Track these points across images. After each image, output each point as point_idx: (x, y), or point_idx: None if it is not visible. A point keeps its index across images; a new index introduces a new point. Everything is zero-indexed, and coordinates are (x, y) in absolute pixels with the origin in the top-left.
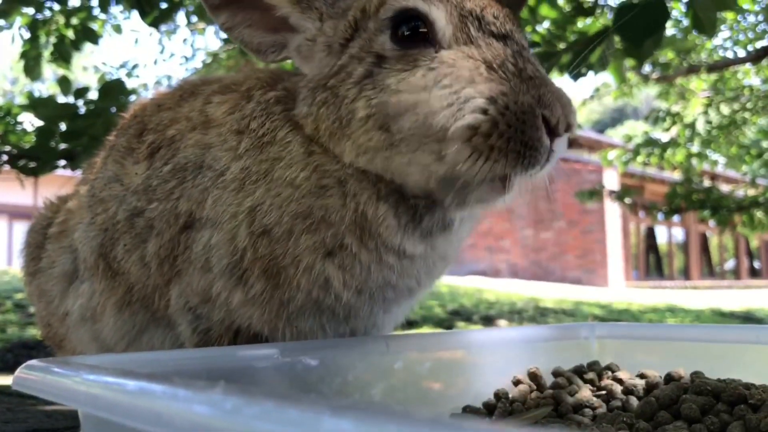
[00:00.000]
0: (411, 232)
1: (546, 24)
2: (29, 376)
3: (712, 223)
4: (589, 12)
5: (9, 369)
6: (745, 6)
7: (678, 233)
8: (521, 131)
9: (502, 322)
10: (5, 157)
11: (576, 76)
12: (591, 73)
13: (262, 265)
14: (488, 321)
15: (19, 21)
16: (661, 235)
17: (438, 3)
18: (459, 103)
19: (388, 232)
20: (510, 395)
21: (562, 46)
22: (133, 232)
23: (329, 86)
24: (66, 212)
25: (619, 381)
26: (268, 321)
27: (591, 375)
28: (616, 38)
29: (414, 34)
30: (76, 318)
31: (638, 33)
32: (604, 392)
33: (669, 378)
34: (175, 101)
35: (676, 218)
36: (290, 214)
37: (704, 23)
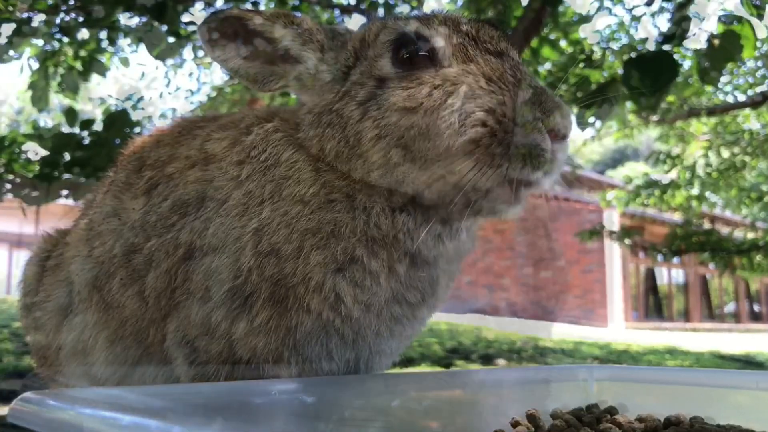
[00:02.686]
0: (426, 236)
1: (547, 65)
2: (25, 409)
3: (712, 265)
4: (595, 64)
5: (3, 399)
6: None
7: (678, 275)
8: (522, 135)
9: (501, 362)
10: (8, 186)
11: (583, 126)
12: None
13: (269, 288)
14: (487, 360)
15: (28, 52)
16: (661, 276)
17: (437, 26)
18: (461, 119)
19: (406, 237)
20: None
21: (563, 87)
22: (129, 268)
23: (334, 110)
24: (63, 246)
25: (618, 425)
26: (272, 350)
27: (589, 418)
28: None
29: (414, 56)
30: (69, 351)
31: (647, 86)
32: None
33: (669, 422)
34: (174, 138)
35: (676, 260)
36: (300, 231)
37: (710, 74)
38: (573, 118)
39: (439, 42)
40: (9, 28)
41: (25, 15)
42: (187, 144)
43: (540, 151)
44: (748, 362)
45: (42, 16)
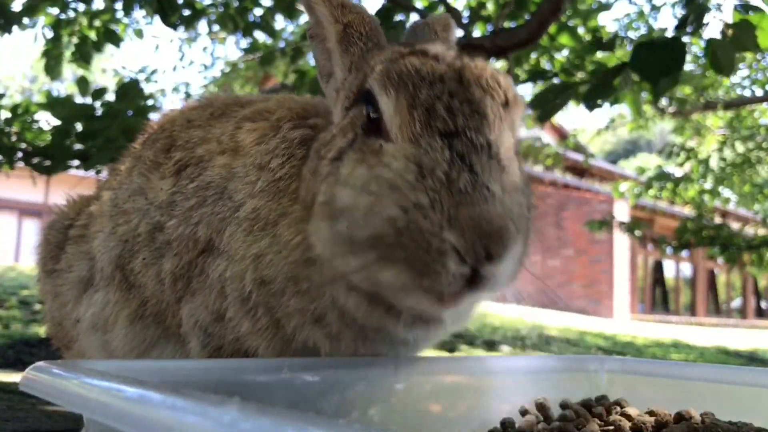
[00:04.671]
0: (391, 322)
1: (565, 53)
2: (36, 378)
3: (720, 260)
4: (607, 46)
5: (10, 366)
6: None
7: (686, 269)
8: (423, 250)
9: (505, 348)
10: (20, 155)
11: (591, 107)
12: (606, 104)
13: (265, 308)
14: (491, 346)
15: (42, 20)
16: (669, 269)
17: (391, 89)
18: (376, 210)
19: (366, 320)
20: (517, 425)
21: (580, 75)
22: (153, 246)
23: (321, 155)
24: (88, 216)
25: (628, 417)
26: (273, 351)
27: (599, 409)
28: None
29: (373, 119)
30: (87, 326)
31: (655, 71)
32: (612, 427)
33: (680, 417)
34: (206, 119)
35: (684, 253)
36: (283, 275)
37: (722, 63)
38: (507, 236)
39: (389, 111)
40: None
41: None
42: (220, 126)
43: (439, 274)
44: (753, 359)
45: None
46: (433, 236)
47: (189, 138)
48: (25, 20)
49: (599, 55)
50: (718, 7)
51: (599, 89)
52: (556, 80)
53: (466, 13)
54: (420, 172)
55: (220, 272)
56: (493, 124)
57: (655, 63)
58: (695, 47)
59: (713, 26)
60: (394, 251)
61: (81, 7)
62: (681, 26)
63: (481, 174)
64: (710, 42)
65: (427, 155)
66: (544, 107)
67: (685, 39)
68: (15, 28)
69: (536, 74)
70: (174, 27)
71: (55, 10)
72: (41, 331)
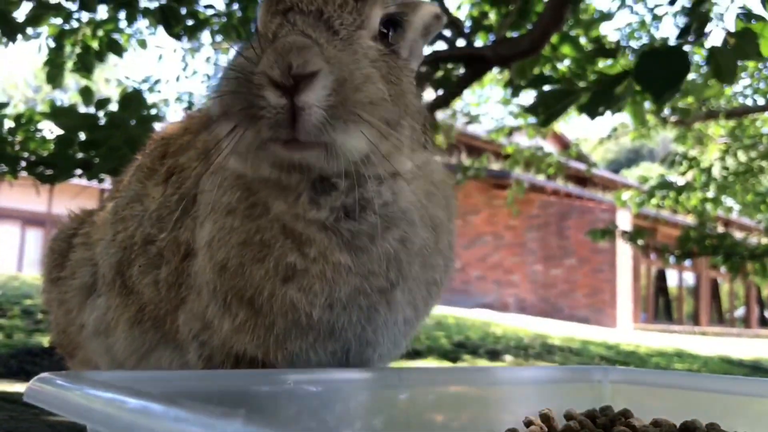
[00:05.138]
0: (319, 210)
1: (567, 62)
2: (41, 389)
3: (723, 269)
4: (610, 53)
5: (13, 375)
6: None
7: (689, 278)
8: (248, 91)
9: (508, 358)
10: (23, 164)
11: (593, 115)
12: (608, 113)
13: (234, 294)
14: (494, 355)
15: (46, 30)
16: (672, 278)
17: (263, 3)
18: (222, 87)
19: (291, 217)
20: None
21: (582, 84)
22: (147, 255)
23: None
24: (91, 225)
25: (633, 428)
26: (259, 346)
27: (603, 420)
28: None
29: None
30: (91, 330)
31: (658, 82)
32: None
33: (685, 428)
34: (198, 126)
35: (687, 262)
36: (235, 246)
37: (724, 71)
38: (315, 51)
39: (258, 14)
40: (29, 5)
41: None
42: (204, 134)
43: (256, 104)
44: (757, 368)
45: None
46: (252, 75)
47: (179, 145)
48: (29, 30)
49: (601, 64)
50: (721, 16)
51: (601, 97)
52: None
53: (468, 23)
54: (258, 44)
55: (194, 270)
56: (332, 2)
57: (659, 74)
58: (697, 56)
59: (715, 35)
60: (233, 107)
61: (84, 17)
62: (683, 35)
63: (302, 25)
64: (712, 50)
65: (266, 30)
66: (545, 112)
67: (687, 48)
68: (19, 37)
69: (537, 80)
70: (178, 37)
71: (58, 20)
72: (44, 340)
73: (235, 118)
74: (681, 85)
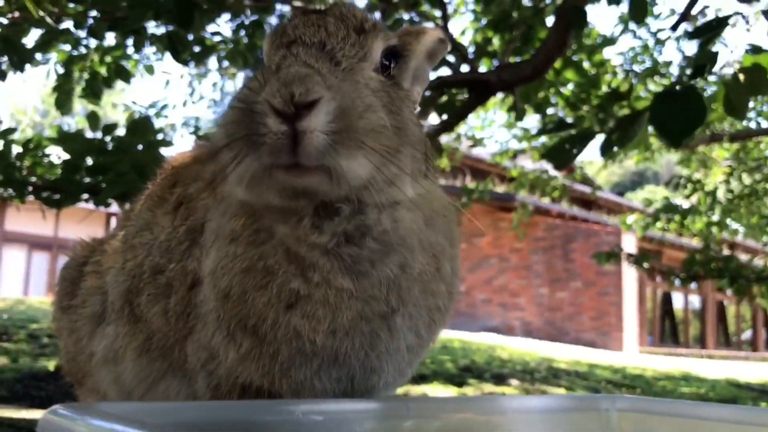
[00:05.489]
0: (321, 235)
1: (570, 86)
2: (54, 422)
3: (729, 292)
4: (624, 96)
5: (19, 400)
6: None
7: (695, 300)
8: (250, 119)
9: (514, 382)
10: (31, 188)
11: (608, 156)
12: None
13: (238, 323)
14: (500, 379)
15: (54, 56)
16: (678, 301)
17: (269, 36)
18: (227, 118)
19: (294, 240)
20: None
21: (585, 108)
22: (155, 284)
23: None
24: (101, 253)
25: None
26: (264, 375)
27: None
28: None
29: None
30: (100, 359)
31: (676, 127)
32: None
33: None
34: (207, 155)
35: (693, 285)
36: (238, 273)
37: (736, 106)
38: (317, 80)
39: (265, 47)
40: (38, 32)
41: (54, 21)
42: (213, 164)
43: (259, 132)
44: (765, 392)
45: (71, 22)
46: (255, 104)
47: (188, 174)
48: (38, 56)
49: (605, 88)
50: (727, 46)
51: (616, 138)
52: (561, 114)
53: (472, 49)
54: (261, 76)
55: (201, 299)
56: (335, 35)
57: (676, 118)
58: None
59: (721, 66)
60: (236, 135)
61: (93, 43)
62: (696, 75)
63: (304, 56)
64: (723, 85)
65: (270, 62)
66: (561, 158)
67: (695, 81)
68: (27, 64)
69: (554, 127)
70: (185, 63)
71: (67, 47)
72: (50, 365)
73: (237, 146)
74: (698, 129)
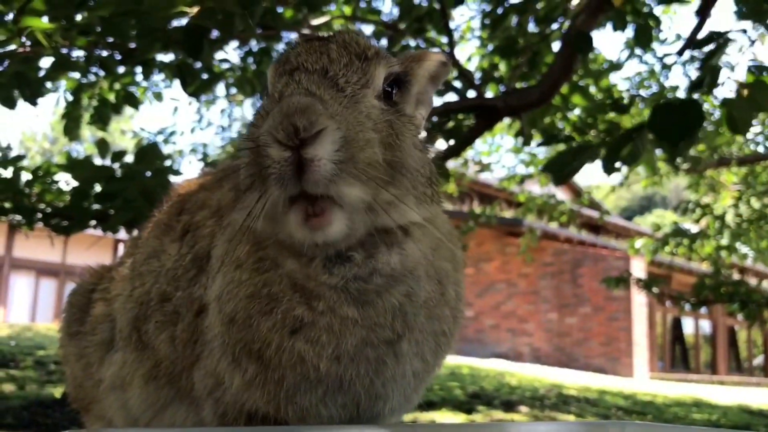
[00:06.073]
0: (332, 277)
1: (577, 111)
2: None
3: (740, 316)
4: (625, 109)
5: (25, 427)
6: None
7: (705, 325)
8: (256, 152)
9: (524, 409)
10: (39, 215)
11: (609, 171)
12: (624, 167)
13: (243, 348)
14: (509, 406)
15: (63, 84)
16: (688, 326)
17: (272, 65)
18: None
19: (301, 274)
20: None
21: (592, 133)
22: (163, 311)
23: None
24: (109, 280)
25: None
26: (269, 401)
27: None
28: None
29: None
30: (108, 385)
31: (674, 133)
32: None
33: None
34: (213, 183)
35: (703, 310)
36: (243, 299)
37: (738, 123)
38: (303, 108)
39: (269, 75)
40: (48, 61)
41: (65, 51)
42: (221, 190)
43: (266, 163)
44: None
45: (81, 52)
46: (253, 147)
47: (195, 201)
48: (48, 84)
49: (612, 114)
50: (732, 67)
51: (617, 152)
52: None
53: (478, 74)
54: (264, 107)
55: (206, 326)
56: (337, 61)
57: (674, 125)
58: (706, 104)
59: (725, 85)
60: (251, 177)
61: (101, 72)
62: (696, 88)
63: (306, 83)
64: (726, 102)
65: (274, 90)
66: (562, 171)
67: (696, 96)
68: (38, 97)
69: (549, 138)
70: (195, 96)
71: (76, 74)
72: (56, 391)
73: (257, 189)
74: (696, 136)
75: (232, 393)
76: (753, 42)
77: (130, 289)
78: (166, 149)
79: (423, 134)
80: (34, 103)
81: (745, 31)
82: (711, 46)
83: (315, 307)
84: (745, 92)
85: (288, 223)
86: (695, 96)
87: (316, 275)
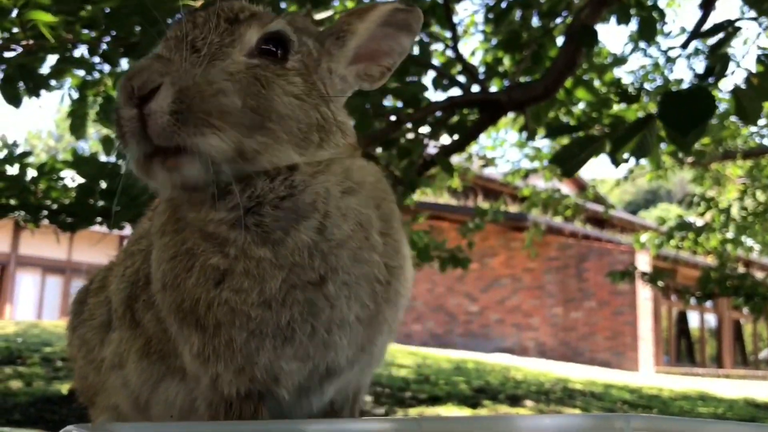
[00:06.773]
0: (218, 211)
1: (581, 105)
2: None
3: (745, 310)
4: (633, 99)
5: (32, 423)
6: None
7: (710, 319)
8: (116, 127)
9: (529, 403)
10: (45, 212)
11: (617, 163)
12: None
13: (181, 317)
14: (515, 401)
15: (69, 81)
16: (693, 320)
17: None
18: None
19: (200, 219)
20: None
21: (597, 127)
22: (148, 292)
23: None
24: (106, 270)
25: None
26: (238, 370)
27: None
28: (658, 124)
29: None
30: (108, 365)
31: (684, 122)
32: None
33: None
34: None
35: (708, 304)
36: (168, 261)
37: (748, 112)
38: (154, 69)
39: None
40: (53, 59)
41: (69, 46)
42: None
43: (119, 119)
44: None
45: (85, 47)
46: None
47: None
48: (53, 82)
49: (616, 107)
50: (737, 63)
51: (624, 143)
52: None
53: (482, 69)
54: None
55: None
56: (201, 27)
57: (685, 113)
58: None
59: (733, 75)
60: (116, 134)
61: (106, 68)
62: (705, 77)
63: (162, 49)
64: (736, 91)
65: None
66: (569, 162)
67: (704, 83)
68: (42, 90)
69: (555, 129)
70: None
71: (81, 72)
72: (63, 388)
73: (124, 148)
74: (707, 124)
75: (205, 384)
76: (759, 34)
77: (123, 269)
78: None
79: (356, 86)
80: (37, 95)
81: (755, 19)
82: (720, 35)
83: (228, 254)
84: (755, 81)
85: (155, 176)
86: (703, 83)
87: (206, 215)
